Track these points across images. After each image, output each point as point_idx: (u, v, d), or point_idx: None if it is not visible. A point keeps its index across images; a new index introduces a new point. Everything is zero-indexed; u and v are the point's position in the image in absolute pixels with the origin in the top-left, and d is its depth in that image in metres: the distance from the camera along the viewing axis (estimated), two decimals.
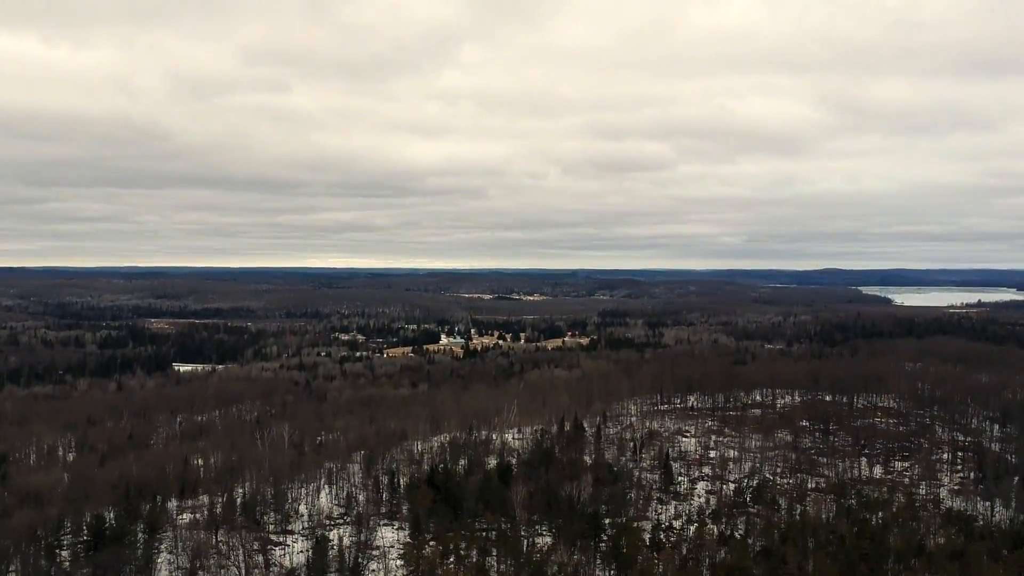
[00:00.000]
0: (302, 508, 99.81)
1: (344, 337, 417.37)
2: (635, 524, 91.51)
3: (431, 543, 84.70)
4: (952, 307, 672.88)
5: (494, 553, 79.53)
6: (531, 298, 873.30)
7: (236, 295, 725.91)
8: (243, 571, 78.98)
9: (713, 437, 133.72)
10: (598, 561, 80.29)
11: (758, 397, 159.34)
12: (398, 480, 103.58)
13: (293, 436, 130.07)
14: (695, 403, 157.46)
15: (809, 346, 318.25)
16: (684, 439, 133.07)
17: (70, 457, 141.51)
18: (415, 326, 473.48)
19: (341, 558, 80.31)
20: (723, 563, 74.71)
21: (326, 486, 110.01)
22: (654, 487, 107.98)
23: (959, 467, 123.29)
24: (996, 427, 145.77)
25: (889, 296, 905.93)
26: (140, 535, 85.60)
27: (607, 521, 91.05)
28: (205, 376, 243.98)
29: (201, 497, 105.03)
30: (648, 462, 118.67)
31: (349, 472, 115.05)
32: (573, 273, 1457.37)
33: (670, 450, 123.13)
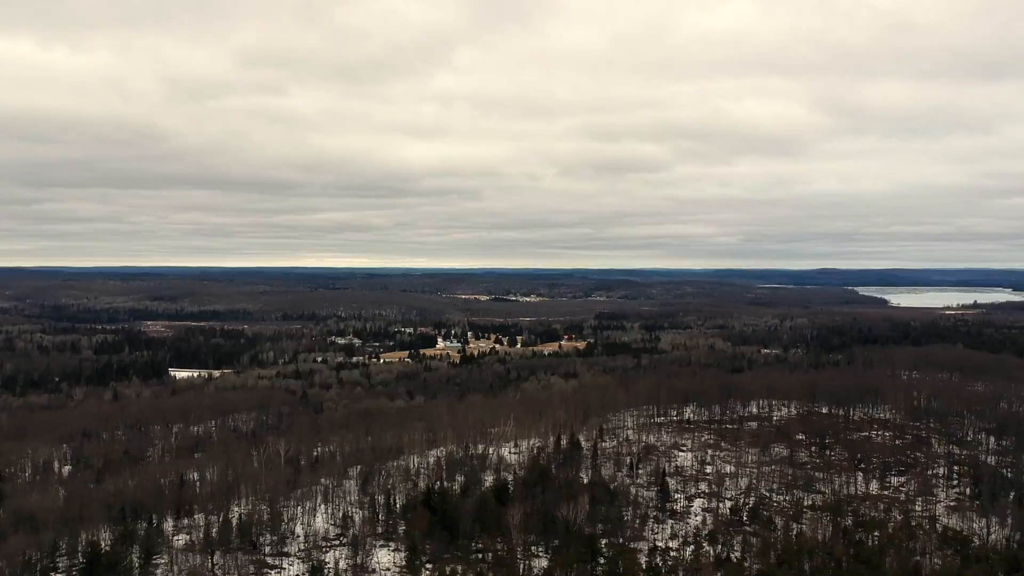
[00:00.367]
0: (298, 529, 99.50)
1: (340, 341, 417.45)
2: (631, 545, 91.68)
3: (428, 567, 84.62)
4: (948, 308, 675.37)
5: None
6: (528, 299, 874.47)
7: (232, 297, 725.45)
8: None
9: (709, 451, 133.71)
10: None
11: (754, 409, 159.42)
12: (394, 500, 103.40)
13: (289, 451, 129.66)
14: (692, 415, 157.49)
15: (806, 352, 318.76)
16: (681, 453, 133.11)
17: (66, 471, 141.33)
18: (411, 329, 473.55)
19: None
20: None
21: (322, 504, 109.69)
22: (651, 505, 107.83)
23: (955, 482, 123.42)
24: (992, 439, 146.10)
25: (885, 297, 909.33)
26: (136, 559, 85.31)
27: (604, 542, 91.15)
28: (201, 385, 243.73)
29: (197, 516, 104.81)
30: (644, 478, 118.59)
31: (345, 489, 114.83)
32: (570, 273, 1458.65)
33: (667, 465, 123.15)
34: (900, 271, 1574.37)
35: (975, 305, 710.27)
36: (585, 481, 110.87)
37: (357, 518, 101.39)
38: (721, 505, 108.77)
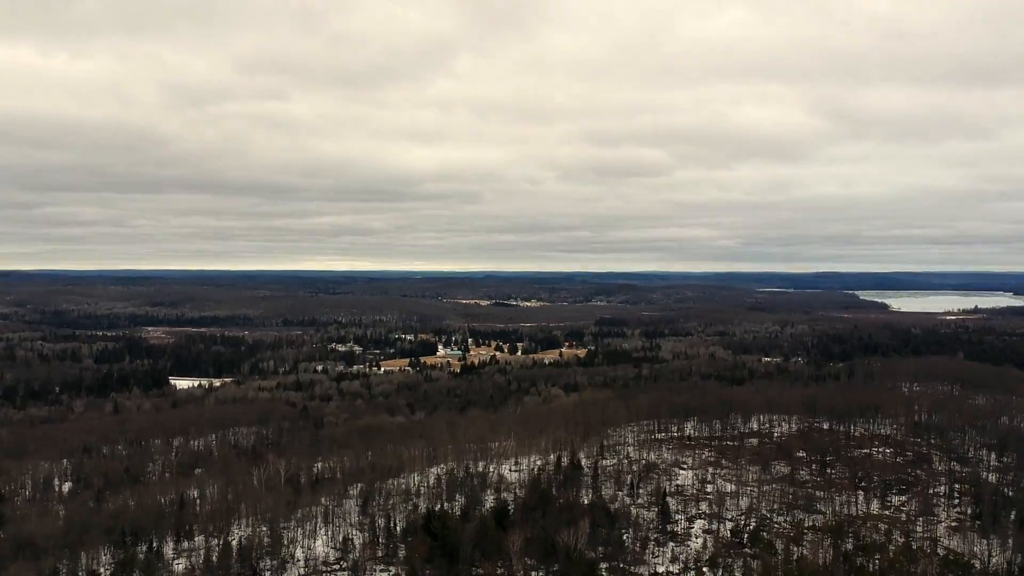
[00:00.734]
0: (298, 552, 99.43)
1: (341, 348, 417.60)
2: (632, 570, 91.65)
3: None
4: (948, 313, 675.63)
5: None
6: (528, 304, 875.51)
7: (233, 302, 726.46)
8: None
9: (710, 469, 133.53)
10: None
11: (755, 425, 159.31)
12: (395, 523, 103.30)
13: (289, 470, 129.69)
14: (692, 431, 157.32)
15: (806, 361, 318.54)
16: (681, 471, 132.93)
17: (66, 487, 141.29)
18: (412, 336, 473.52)
19: None
20: None
21: (322, 526, 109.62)
22: (651, 527, 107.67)
23: (956, 501, 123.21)
24: (993, 455, 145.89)
25: (886, 301, 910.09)
26: None
27: (604, 567, 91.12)
28: (202, 396, 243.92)
29: (197, 539, 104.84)
30: (645, 498, 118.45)
31: (345, 510, 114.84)
32: (570, 277, 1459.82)
33: (667, 484, 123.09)
34: (900, 274, 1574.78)
35: (976, 310, 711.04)
36: (586, 502, 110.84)
37: (357, 541, 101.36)
38: (722, 527, 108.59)
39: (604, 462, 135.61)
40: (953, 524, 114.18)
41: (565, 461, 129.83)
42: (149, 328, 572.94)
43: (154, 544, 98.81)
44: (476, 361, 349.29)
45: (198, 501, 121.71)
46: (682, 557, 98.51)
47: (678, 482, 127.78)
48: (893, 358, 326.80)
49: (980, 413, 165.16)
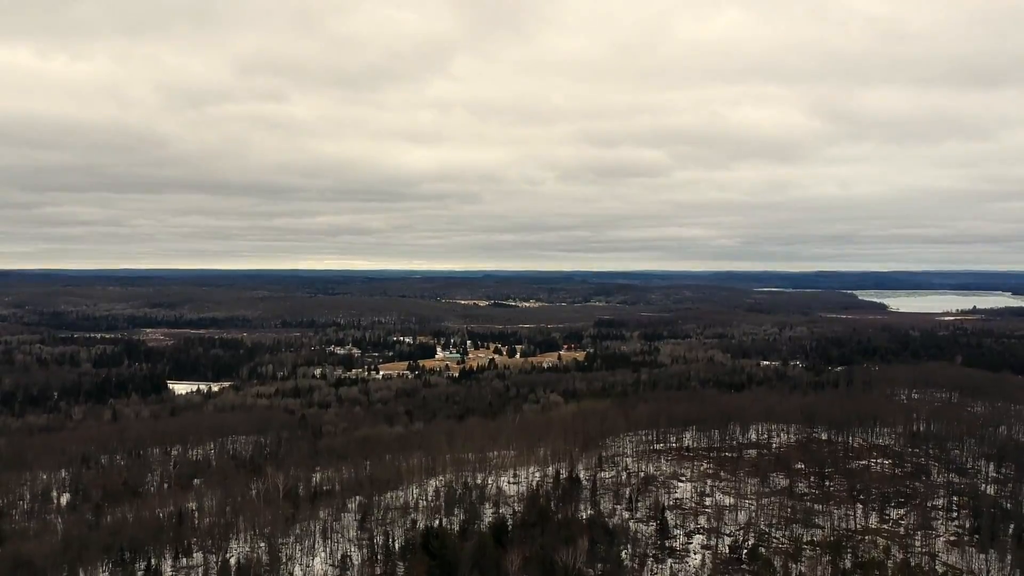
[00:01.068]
0: (296, 570, 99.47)
1: (339, 351, 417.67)
2: None
3: None
4: (947, 314, 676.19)
5: None
6: (527, 304, 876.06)
7: (232, 303, 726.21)
8: None
9: (709, 482, 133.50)
10: None
11: (754, 435, 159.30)
12: (393, 541, 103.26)
13: (287, 483, 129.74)
14: (691, 441, 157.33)
15: (805, 365, 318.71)
16: (680, 484, 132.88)
17: (64, 500, 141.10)
18: (411, 339, 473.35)
19: None
20: None
21: (320, 541, 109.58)
22: (650, 543, 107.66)
23: (955, 514, 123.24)
24: (991, 465, 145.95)
25: (884, 301, 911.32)
26: None
27: None
28: (200, 403, 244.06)
29: (196, 555, 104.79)
30: (643, 512, 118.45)
31: (343, 525, 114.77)
32: (569, 276, 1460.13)
33: (666, 498, 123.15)
34: (899, 273, 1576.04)
35: (974, 311, 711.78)
36: (584, 517, 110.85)
37: (356, 559, 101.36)
38: (720, 543, 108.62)
39: (603, 474, 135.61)
40: (952, 539, 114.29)
41: (564, 473, 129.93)
42: (148, 330, 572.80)
43: (152, 562, 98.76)
44: (475, 365, 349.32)
45: (196, 514, 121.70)
46: (680, 574, 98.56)
47: (676, 495, 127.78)
48: (891, 362, 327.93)
49: (978, 422, 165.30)
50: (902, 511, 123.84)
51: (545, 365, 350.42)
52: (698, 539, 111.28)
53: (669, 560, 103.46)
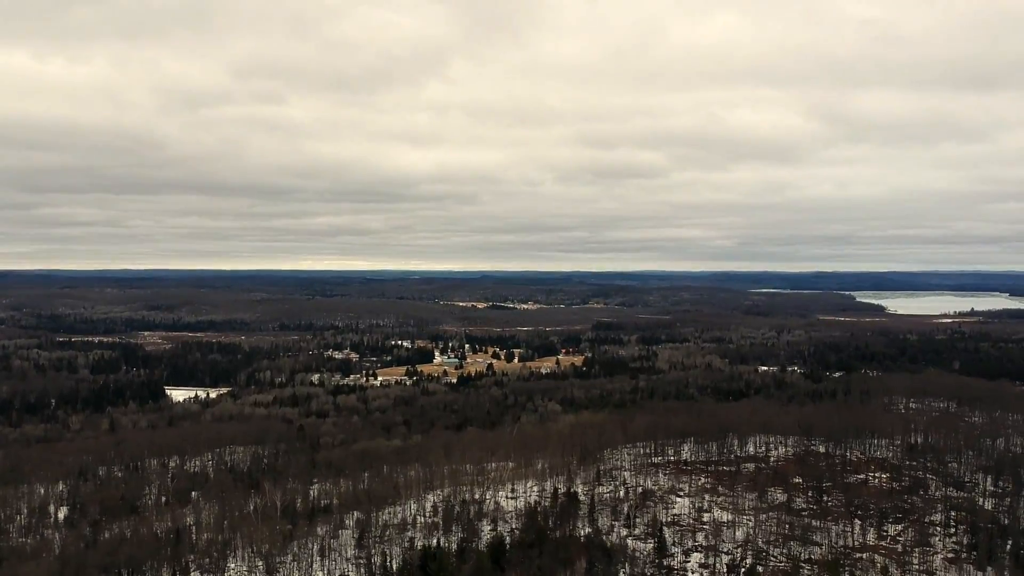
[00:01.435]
0: None
1: (338, 356, 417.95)
2: None
3: None
4: (945, 316, 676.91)
5: None
6: (525, 306, 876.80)
7: (230, 305, 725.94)
8: None
9: (707, 497, 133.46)
10: None
11: (751, 448, 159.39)
12: (390, 560, 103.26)
13: (285, 499, 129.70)
14: (689, 454, 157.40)
15: (803, 372, 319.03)
16: (678, 499, 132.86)
17: (62, 514, 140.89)
18: (409, 343, 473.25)
19: None
20: None
21: (318, 559, 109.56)
22: (648, 561, 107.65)
23: (953, 530, 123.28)
24: (989, 479, 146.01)
25: (882, 303, 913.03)
26: None
27: None
28: (198, 412, 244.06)
29: (193, 575, 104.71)
30: (641, 528, 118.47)
31: (341, 542, 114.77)
32: (567, 277, 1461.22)
33: (664, 514, 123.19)
34: (897, 274, 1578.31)
35: (972, 312, 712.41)
36: (582, 536, 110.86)
37: None
38: (718, 561, 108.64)
39: (600, 488, 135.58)
40: (949, 556, 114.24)
41: (562, 488, 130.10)
42: (146, 333, 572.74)
43: None
44: (473, 371, 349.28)
45: (194, 530, 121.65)
46: None
47: (674, 511, 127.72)
48: (889, 368, 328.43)
49: (976, 433, 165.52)
50: (900, 527, 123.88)
51: (543, 371, 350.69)
52: (696, 557, 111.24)
53: None
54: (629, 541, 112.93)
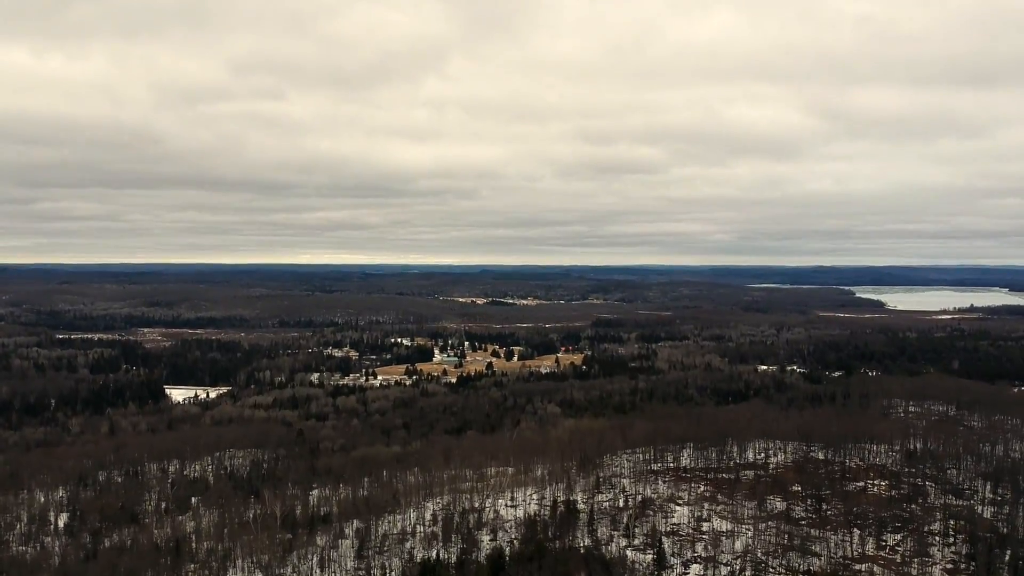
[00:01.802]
0: None
1: (337, 354, 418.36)
2: None
3: None
4: (944, 312, 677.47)
5: None
6: (525, 302, 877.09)
7: (229, 302, 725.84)
8: None
9: (706, 505, 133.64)
10: None
11: (751, 455, 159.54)
12: (390, 574, 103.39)
13: (284, 508, 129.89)
14: (688, 461, 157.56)
15: (803, 372, 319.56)
16: (677, 508, 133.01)
17: (62, 521, 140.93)
18: (409, 340, 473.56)
19: None
20: None
21: (318, 571, 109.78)
22: (647, 573, 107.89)
23: (952, 539, 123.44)
24: (988, 485, 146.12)
25: (881, 298, 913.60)
26: None
27: None
28: (197, 414, 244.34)
29: None
30: (641, 539, 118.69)
31: (340, 553, 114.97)
32: (567, 272, 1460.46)
33: (663, 523, 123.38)
34: (896, 268, 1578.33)
35: (971, 308, 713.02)
36: (581, 547, 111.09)
37: None
38: (717, 573, 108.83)
39: (600, 497, 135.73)
40: (948, 566, 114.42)
41: (561, 496, 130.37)
42: (145, 330, 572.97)
43: None
44: (472, 371, 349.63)
45: (193, 539, 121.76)
46: None
47: (674, 520, 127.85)
48: (888, 367, 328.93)
49: (975, 439, 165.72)
50: (898, 536, 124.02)
51: (543, 371, 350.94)
52: (695, 569, 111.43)
53: None
54: (628, 552, 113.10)
